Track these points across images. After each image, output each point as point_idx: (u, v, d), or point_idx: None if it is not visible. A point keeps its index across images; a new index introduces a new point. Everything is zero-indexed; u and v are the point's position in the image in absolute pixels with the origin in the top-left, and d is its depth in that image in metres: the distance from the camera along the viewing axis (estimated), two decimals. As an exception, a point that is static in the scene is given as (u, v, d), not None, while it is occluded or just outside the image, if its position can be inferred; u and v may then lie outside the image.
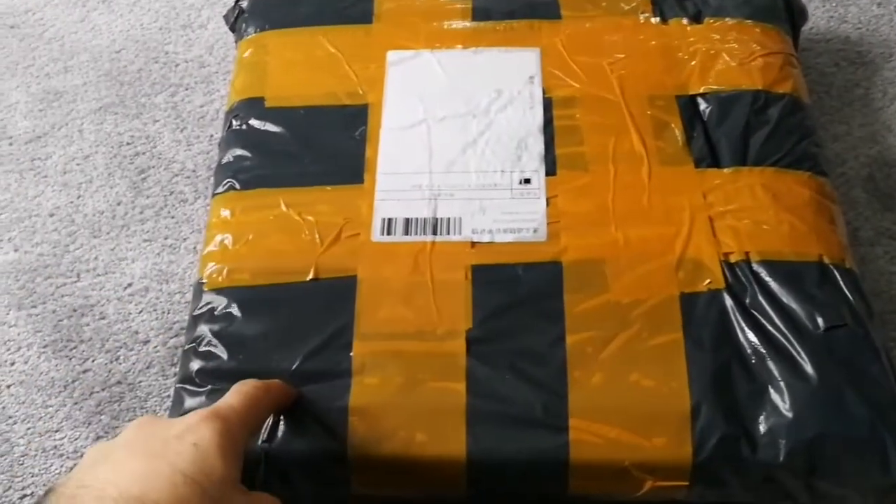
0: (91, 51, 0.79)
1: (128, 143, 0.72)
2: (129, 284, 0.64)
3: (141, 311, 0.63)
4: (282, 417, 0.48)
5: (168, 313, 0.63)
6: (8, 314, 0.63)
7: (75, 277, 0.65)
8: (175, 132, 0.72)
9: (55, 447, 0.57)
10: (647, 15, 0.64)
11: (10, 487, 0.56)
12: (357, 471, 0.48)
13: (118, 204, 0.68)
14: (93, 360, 0.61)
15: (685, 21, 0.63)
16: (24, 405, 0.59)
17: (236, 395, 0.44)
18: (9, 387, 0.60)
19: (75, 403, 0.59)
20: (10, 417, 0.59)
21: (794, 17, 0.66)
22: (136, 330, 0.62)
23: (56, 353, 0.61)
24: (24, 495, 0.56)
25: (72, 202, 0.69)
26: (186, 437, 0.39)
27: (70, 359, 0.61)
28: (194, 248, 0.65)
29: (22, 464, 0.57)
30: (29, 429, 0.58)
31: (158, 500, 0.36)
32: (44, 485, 0.56)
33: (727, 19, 0.63)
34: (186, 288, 0.64)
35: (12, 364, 0.61)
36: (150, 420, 0.42)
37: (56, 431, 0.58)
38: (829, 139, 0.67)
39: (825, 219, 0.53)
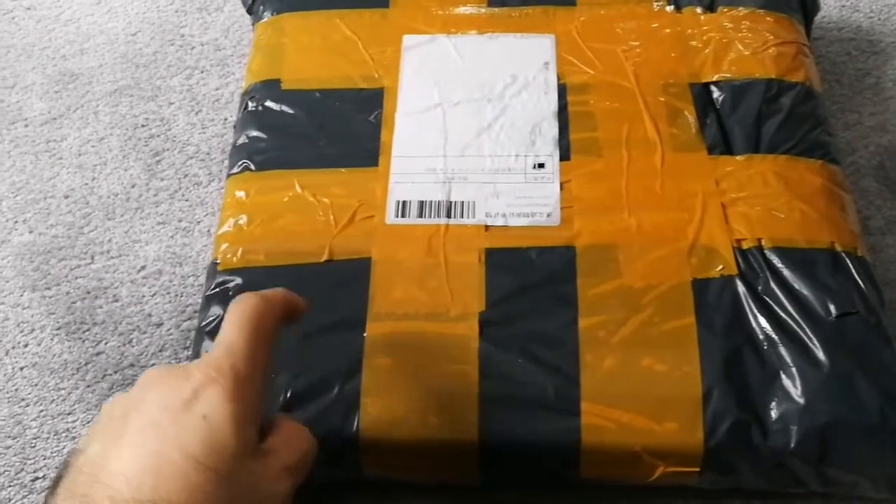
0: (107, 33, 0.79)
1: (143, 126, 0.72)
2: (143, 267, 0.64)
3: (154, 294, 0.63)
4: (296, 400, 0.48)
5: (181, 296, 0.63)
6: (22, 296, 0.64)
7: (89, 259, 0.65)
8: (190, 115, 0.73)
9: (67, 430, 0.58)
10: (661, 3, 0.64)
11: (22, 470, 0.56)
12: (368, 453, 0.48)
13: (132, 186, 0.69)
14: (106, 343, 0.61)
15: (699, 10, 0.63)
16: (37, 387, 0.60)
17: (235, 329, 0.40)
18: (22, 369, 0.60)
19: (88, 386, 0.59)
20: (23, 400, 0.59)
21: (806, 7, 0.66)
22: (149, 313, 0.62)
23: (69, 336, 0.62)
24: (36, 478, 0.56)
25: (86, 184, 0.69)
26: (195, 408, 0.37)
27: (83, 341, 0.61)
28: (208, 230, 0.66)
29: (34, 446, 0.57)
30: (41, 411, 0.59)
31: (171, 493, 0.35)
32: (56, 467, 0.56)
33: (740, 8, 0.63)
34: (200, 271, 0.64)
35: (25, 346, 0.61)
36: (160, 377, 0.40)
37: (68, 414, 0.58)
38: (840, 128, 0.67)
39: (837, 206, 0.54)
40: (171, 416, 0.37)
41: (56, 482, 0.37)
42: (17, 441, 0.57)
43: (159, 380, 0.39)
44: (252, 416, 0.39)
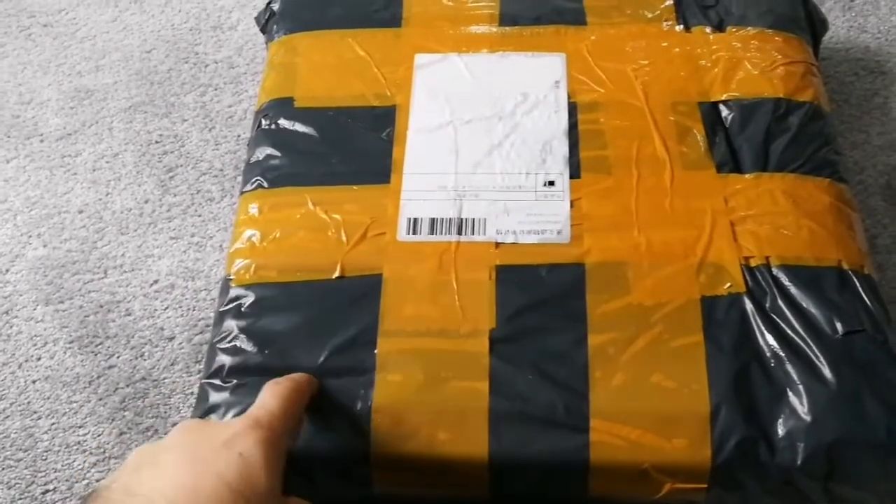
0: (122, 50, 0.80)
1: (156, 142, 0.73)
2: (156, 281, 0.65)
3: (166, 308, 0.64)
4: (305, 416, 0.49)
5: (193, 310, 0.63)
6: (35, 309, 0.64)
7: (102, 274, 0.66)
8: (203, 131, 0.73)
9: (79, 443, 0.58)
10: (670, 23, 0.64)
11: (32, 482, 0.57)
12: (379, 469, 0.48)
13: (146, 202, 0.69)
14: (118, 357, 0.62)
15: (708, 29, 0.64)
16: (49, 400, 0.60)
17: (273, 398, 0.45)
18: (34, 382, 0.61)
19: (100, 399, 0.60)
20: (35, 412, 0.60)
21: (815, 27, 0.66)
22: (161, 326, 0.63)
23: (82, 349, 0.62)
24: (47, 490, 0.57)
25: (100, 199, 0.70)
26: (233, 447, 0.40)
27: (95, 355, 0.62)
28: (220, 246, 0.66)
29: (45, 459, 0.58)
30: (53, 424, 0.59)
31: None
32: (66, 480, 0.57)
33: (749, 28, 0.63)
34: (212, 285, 0.64)
35: (38, 359, 0.62)
36: (197, 424, 0.43)
37: (80, 427, 0.59)
38: (848, 147, 0.67)
39: (844, 225, 0.54)
40: (209, 450, 0.40)
41: (87, 499, 0.38)
42: (29, 454, 0.58)
43: (196, 427, 0.42)
44: (280, 467, 0.42)
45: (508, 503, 0.51)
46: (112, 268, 0.66)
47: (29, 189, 0.71)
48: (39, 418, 0.59)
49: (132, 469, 0.39)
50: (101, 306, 0.64)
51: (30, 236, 0.68)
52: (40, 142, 0.74)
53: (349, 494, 0.50)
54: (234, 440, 0.40)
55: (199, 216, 0.68)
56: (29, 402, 0.60)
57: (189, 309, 0.64)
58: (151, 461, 0.40)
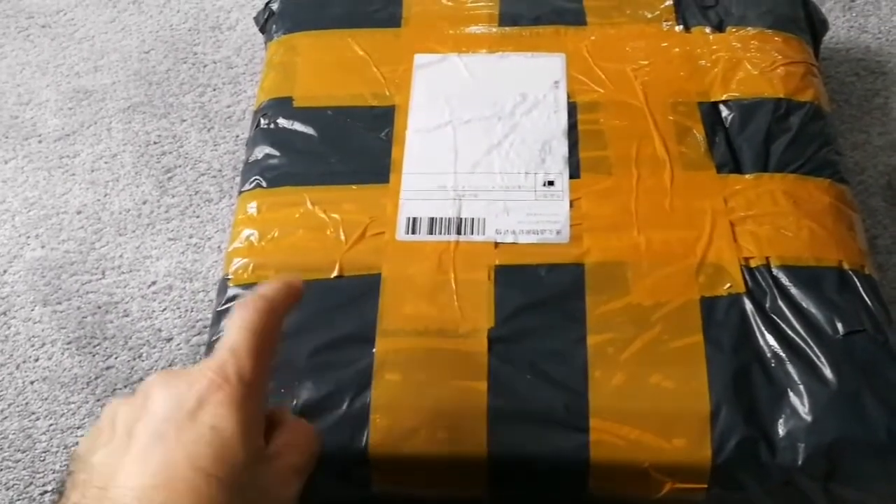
0: (121, 51, 0.80)
1: (155, 143, 0.73)
2: (154, 282, 0.65)
3: (164, 309, 0.64)
4: (305, 416, 0.48)
5: (191, 311, 0.63)
6: (33, 310, 0.64)
7: (100, 275, 0.66)
8: (202, 132, 0.73)
9: (77, 444, 0.58)
10: (670, 23, 0.64)
11: (31, 483, 0.57)
12: (378, 468, 0.48)
13: (144, 202, 0.69)
14: (116, 357, 0.62)
15: (707, 30, 0.64)
16: (47, 401, 0.60)
17: (239, 332, 0.39)
18: (32, 383, 0.61)
19: (98, 400, 0.60)
20: (33, 413, 0.59)
21: (815, 28, 0.66)
22: (159, 328, 0.63)
23: (80, 350, 0.62)
24: (45, 491, 0.56)
25: (99, 200, 0.70)
26: (201, 418, 0.36)
27: (93, 355, 0.62)
28: (219, 247, 0.66)
29: (43, 460, 0.58)
30: (51, 425, 0.59)
31: None
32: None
33: (749, 28, 0.63)
34: (210, 286, 0.64)
35: (36, 360, 0.62)
36: (165, 382, 0.38)
37: (78, 428, 0.59)
38: (849, 148, 0.67)
39: (845, 225, 0.54)
40: (176, 426, 0.36)
41: (62, 493, 0.36)
42: (27, 455, 0.58)
43: (162, 387, 0.38)
44: (258, 421, 0.38)
45: (508, 503, 0.51)
46: (110, 269, 0.66)
47: (27, 190, 0.71)
48: (37, 419, 0.59)
49: (104, 446, 0.37)
50: (99, 307, 0.64)
51: (28, 237, 0.68)
52: (38, 142, 0.74)
53: (348, 495, 0.50)
54: (200, 409, 0.36)
55: (198, 217, 0.68)
56: (27, 403, 0.60)
57: (187, 310, 0.63)
58: (123, 440, 0.37)
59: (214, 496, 0.35)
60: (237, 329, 0.39)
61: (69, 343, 0.62)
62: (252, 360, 0.38)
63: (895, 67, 0.73)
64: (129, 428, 0.37)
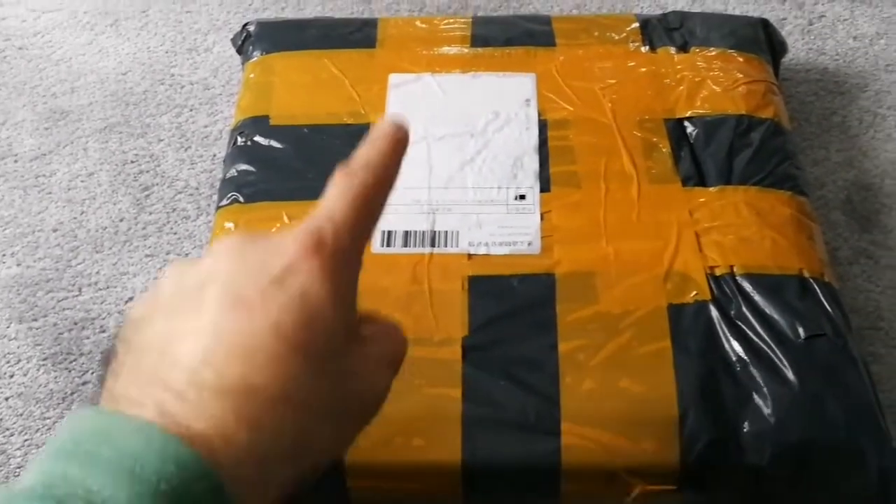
0: (98, 72, 0.81)
1: (132, 162, 0.74)
2: (131, 298, 0.65)
3: (142, 324, 0.64)
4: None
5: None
6: (9, 327, 0.64)
7: (77, 291, 0.66)
8: (179, 151, 0.74)
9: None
10: (636, 44, 0.67)
11: (6, 498, 0.57)
12: (354, 475, 0.49)
13: (121, 220, 0.70)
14: (92, 373, 0.62)
15: (672, 50, 0.66)
16: (22, 417, 0.60)
17: (342, 200, 0.34)
18: (7, 399, 0.61)
19: (74, 415, 0.60)
20: (8, 429, 0.59)
21: (774, 49, 0.69)
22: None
23: (56, 366, 0.62)
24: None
25: (75, 218, 0.70)
26: (289, 286, 0.31)
27: (69, 371, 0.62)
28: (196, 262, 0.67)
29: (17, 475, 0.57)
30: (26, 440, 0.59)
31: (263, 380, 0.29)
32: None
33: (712, 49, 0.66)
34: (187, 302, 0.65)
35: (11, 376, 0.62)
36: (243, 245, 0.33)
37: (54, 442, 0.59)
38: (809, 164, 0.69)
39: (805, 235, 0.56)
40: (260, 292, 0.31)
41: (108, 361, 0.31)
42: (1, 471, 0.58)
43: (239, 250, 0.33)
44: (353, 295, 0.34)
45: (483, 509, 0.52)
46: (87, 285, 0.66)
47: (3, 208, 0.71)
48: (12, 435, 0.59)
49: (167, 310, 0.32)
50: (76, 323, 0.64)
51: (3, 255, 0.68)
52: (14, 162, 0.74)
53: (325, 501, 0.51)
54: (289, 276, 0.31)
55: (175, 234, 0.69)
56: (1, 419, 0.60)
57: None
58: (192, 296, 0.31)
59: (300, 369, 0.30)
60: (338, 194, 0.34)
61: (45, 359, 0.62)
62: (351, 229, 0.34)
63: (852, 87, 0.75)
64: (198, 292, 0.31)
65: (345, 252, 0.33)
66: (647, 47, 0.66)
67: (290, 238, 0.32)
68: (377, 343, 0.35)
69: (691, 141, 0.60)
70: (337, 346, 0.31)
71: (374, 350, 0.34)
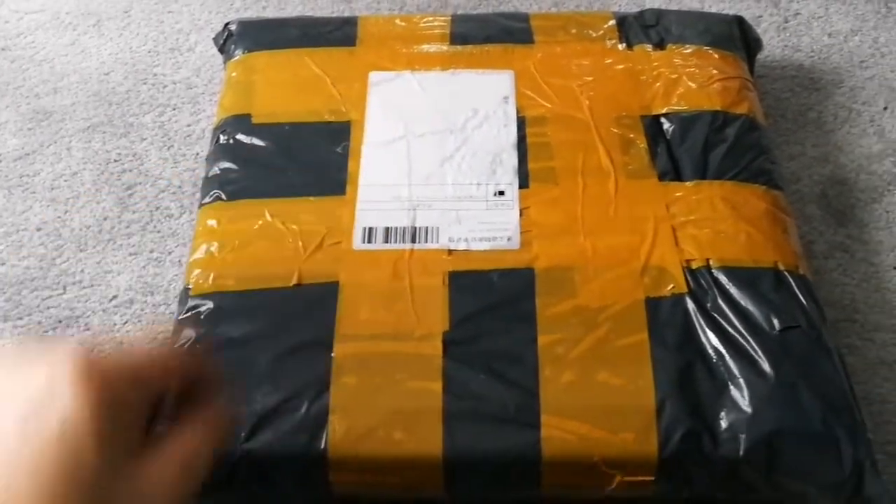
0: (81, 72, 0.81)
1: (115, 161, 0.74)
2: (115, 296, 0.66)
3: (126, 322, 0.64)
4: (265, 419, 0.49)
5: (153, 325, 0.64)
6: (-7, 326, 0.65)
7: (61, 290, 0.66)
8: (162, 150, 0.74)
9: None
10: (613, 41, 0.67)
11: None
12: (336, 470, 0.49)
13: (105, 219, 0.70)
14: (77, 371, 0.62)
15: (649, 47, 0.67)
16: (8, 415, 0.60)
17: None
18: (-8, 397, 0.61)
19: (59, 413, 0.60)
20: (-6, 427, 0.60)
21: (749, 46, 0.70)
22: (120, 341, 0.63)
23: (41, 364, 0.62)
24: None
25: (59, 217, 0.70)
26: (48, 413, 0.30)
27: (55, 369, 0.62)
28: (179, 261, 0.67)
29: None
30: (12, 438, 0.59)
31: None
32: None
33: (688, 46, 0.67)
34: (171, 300, 0.65)
35: (-4, 375, 0.62)
36: (5, 371, 0.32)
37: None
38: (785, 159, 0.70)
39: (780, 229, 0.57)
40: (21, 420, 0.30)
41: None
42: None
43: (5, 371, 0.32)
44: (124, 426, 0.33)
45: (464, 501, 0.52)
46: (71, 284, 0.66)
47: (-14, 208, 0.71)
48: (-3, 434, 0.60)
49: None
50: (60, 321, 0.65)
51: (-12, 255, 0.68)
52: (-2, 162, 0.74)
53: (308, 496, 0.51)
54: (51, 400, 0.30)
55: (158, 232, 0.69)
56: (-13, 418, 0.60)
57: (148, 323, 0.64)
58: None
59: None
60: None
61: (30, 358, 0.63)
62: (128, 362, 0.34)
63: (827, 84, 0.76)
64: None
65: (118, 385, 0.33)
66: (624, 44, 0.67)
67: (57, 354, 0.33)
68: (166, 453, 0.34)
69: (668, 137, 0.61)
70: (102, 483, 0.30)
71: (155, 468, 0.33)
